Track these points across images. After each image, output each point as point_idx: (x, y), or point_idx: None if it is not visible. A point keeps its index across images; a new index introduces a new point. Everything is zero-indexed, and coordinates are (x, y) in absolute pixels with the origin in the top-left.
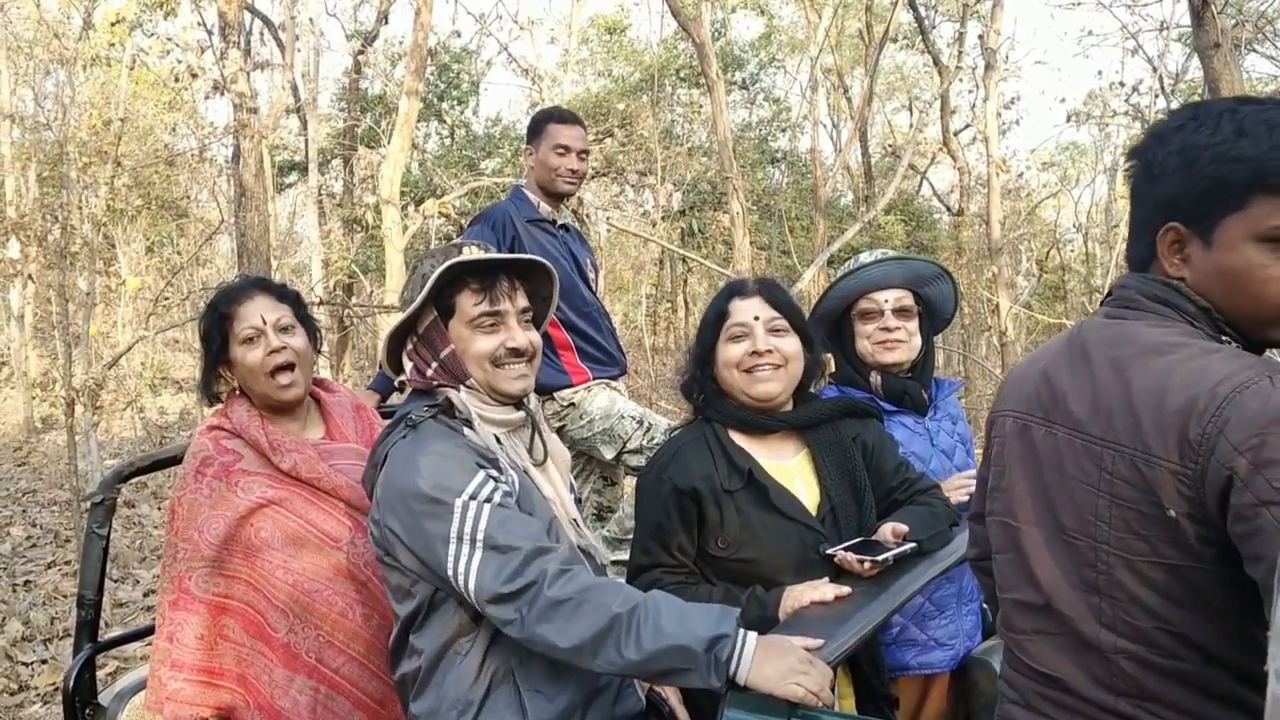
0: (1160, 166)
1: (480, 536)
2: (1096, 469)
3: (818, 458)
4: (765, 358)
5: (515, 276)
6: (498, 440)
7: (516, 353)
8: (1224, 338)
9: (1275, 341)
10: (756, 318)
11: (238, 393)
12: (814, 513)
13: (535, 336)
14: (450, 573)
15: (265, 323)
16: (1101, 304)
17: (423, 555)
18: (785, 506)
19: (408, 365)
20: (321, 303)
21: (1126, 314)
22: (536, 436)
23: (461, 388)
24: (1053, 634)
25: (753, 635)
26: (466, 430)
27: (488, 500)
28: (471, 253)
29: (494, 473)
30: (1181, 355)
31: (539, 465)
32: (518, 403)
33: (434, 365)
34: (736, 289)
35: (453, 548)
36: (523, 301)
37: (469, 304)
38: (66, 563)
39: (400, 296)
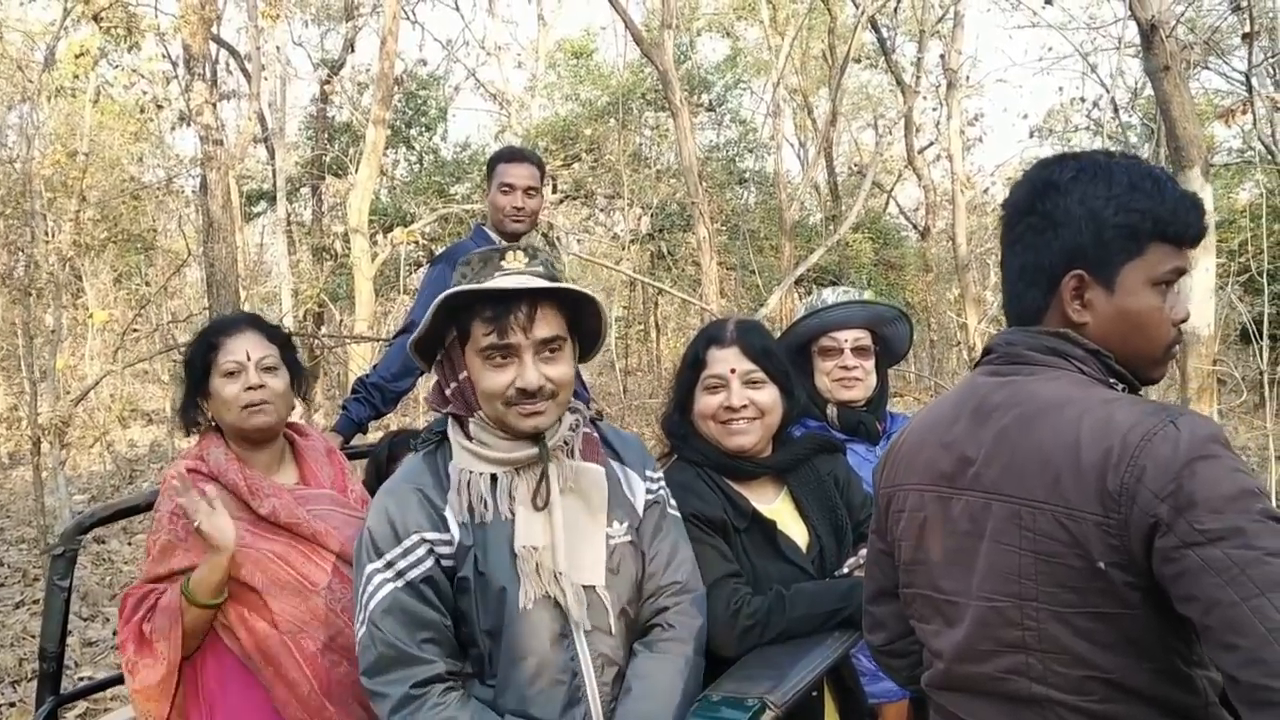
0: (1065, 215)
1: (367, 614)
2: (1016, 528)
3: (800, 499)
4: (740, 412)
5: (542, 304)
6: (493, 479)
7: (526, 393)
8: (1112, 380)
9: (1156, 379)
10: (733, 370)
11: (214, 427)
12: (805, 553)
13: (558, 371)
14: (355, 627)
15: (249, 359)
16: (979, 363)
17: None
18: (786, 549)
19: (434, 377)
20: (292, 333)
21: (1019, 370)
22: (543, 483)
23: (474, 415)
24: (985, 693)
25: None
26: (451, 468)
27: (397, 577)
28: (513, 263)
29: (433, 535)
30: (1084, 407)
31: (540, 510)
32: (535, 438)
33: (453, 385)
34: (714, 336)
35: (356, 608)
36: (544, 331)
37: (479, 333)
38: (35, 602)
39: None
